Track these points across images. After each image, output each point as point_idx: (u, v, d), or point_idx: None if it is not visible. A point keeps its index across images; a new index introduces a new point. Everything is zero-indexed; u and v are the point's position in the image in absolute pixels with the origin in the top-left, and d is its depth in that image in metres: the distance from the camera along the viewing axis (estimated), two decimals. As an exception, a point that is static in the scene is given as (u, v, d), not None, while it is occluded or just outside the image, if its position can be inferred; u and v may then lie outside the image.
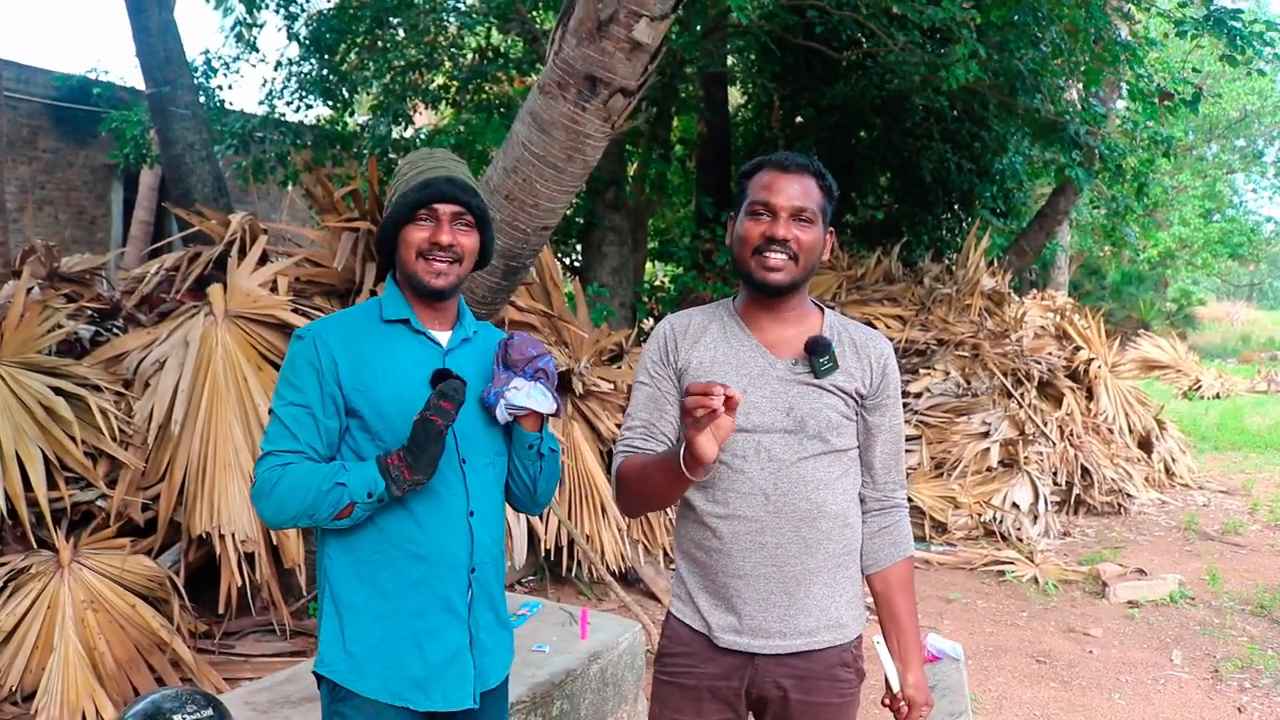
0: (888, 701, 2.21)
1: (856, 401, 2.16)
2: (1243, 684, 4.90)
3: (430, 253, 2.08)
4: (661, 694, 2.24)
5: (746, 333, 2.18)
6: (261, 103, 10.36)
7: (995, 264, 10.06)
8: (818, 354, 2.10)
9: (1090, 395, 9.22)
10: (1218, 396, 16.37)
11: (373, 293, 4.89)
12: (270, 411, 2.08)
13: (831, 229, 2.20)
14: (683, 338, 2.21)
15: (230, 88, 10.00)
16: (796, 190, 2.10)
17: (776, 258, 2.08)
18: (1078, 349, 9.52)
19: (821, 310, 2.24)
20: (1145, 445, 9.40)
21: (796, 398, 2.12)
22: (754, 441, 2.11)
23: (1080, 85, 9.13)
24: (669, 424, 2.22)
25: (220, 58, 10.30)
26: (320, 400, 2.04)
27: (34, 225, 12.45)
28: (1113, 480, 8.37)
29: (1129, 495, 8.42)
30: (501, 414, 2.09)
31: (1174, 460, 9.56)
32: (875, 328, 8.23)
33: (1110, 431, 9.00)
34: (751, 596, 2.13)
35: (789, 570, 2.12)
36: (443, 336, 2.17)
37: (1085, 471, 8.27)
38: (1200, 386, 16.75)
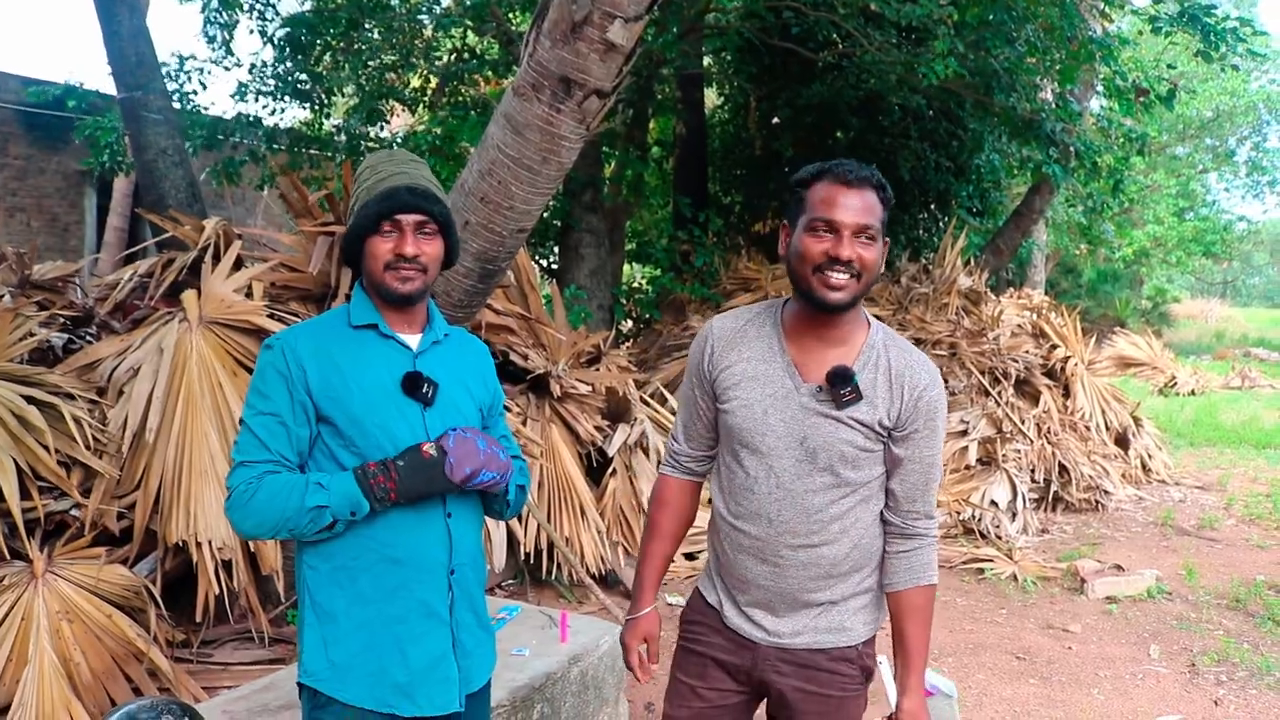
0: None
1: (880, 433, 2.11)
2: (1219, 677, 4.93)
3: (396, 264, 2.07)
4: (677, 656, 2.38)
5: (782, 347, 2.15)
6: (233, 95, 10.27)
7: (972, 263, 10.12)
8: (838, 385, 2.06)
9: (1067, 393, 9.27)
10: (1193, 393, 16.51)
11: (348, 297, 4.87)
12: (241, 421, 2.07)
13: (887, 239, 2.13)
14: (720, 344, 2.22)
15: (205, 87, 9.79)
16: (859, 205, 2.02)
17: (839, 277, 2.01)
18: (1054, 347, 9.56)
19: (869, 325, 2.17)
20: (1122, 442, 9.47)
21: (811, 428, 2.09)
22: (766, 465, 2.14)
23: (1055, 85, 9.20)
24: (703, 424, 2.30)
25: (193, 57, 10.22)
26: (290, 408, 2.04)
27: (5, 232, 12.35)
28: (1090, 477, 8.42)
29: (1106, 492, 8.47)
30: None
31: (1150, 457, 9.63)
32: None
33: (1087, 429, 9.05)
34: (754, 600, 2.22)
35: (789, 585, 2.17)
36: (412, 340, 2.16)
37: (1063, 469, 8.31)
38: (1176, 383, 16.89)
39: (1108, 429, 9.37)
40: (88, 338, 5.05)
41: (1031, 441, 8.23)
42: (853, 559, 2.17)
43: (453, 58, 10.66)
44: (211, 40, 10.16)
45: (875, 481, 2.16)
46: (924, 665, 2.20)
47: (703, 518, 2.42)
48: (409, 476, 2.00)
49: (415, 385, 2.08)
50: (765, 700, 2.30)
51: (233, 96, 10.18)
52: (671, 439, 2.39)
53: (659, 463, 6.61)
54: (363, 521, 2.02)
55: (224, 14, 9.88)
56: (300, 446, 2.06)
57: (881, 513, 2.20)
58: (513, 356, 5.92)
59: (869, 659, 2.24)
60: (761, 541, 2.16)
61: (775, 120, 11.70)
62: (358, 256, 2.13)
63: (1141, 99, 8.63)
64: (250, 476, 2.00)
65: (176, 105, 9.16)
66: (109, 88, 7.23)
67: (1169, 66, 13.08)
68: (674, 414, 7.24)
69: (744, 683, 2.26)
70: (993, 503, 7.52)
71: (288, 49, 9.98)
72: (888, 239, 2.14)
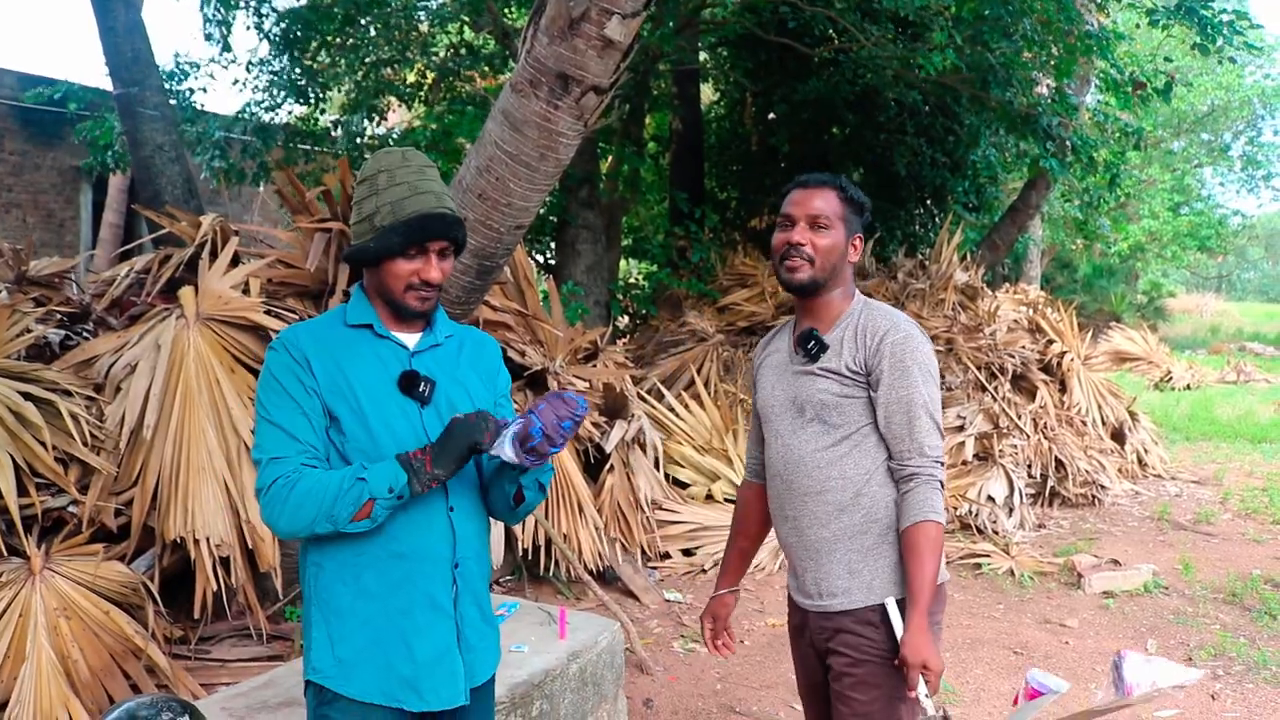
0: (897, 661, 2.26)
1: (851, 378, 2.35)
2: (1215, 671, 4.94)
3: (420, 287, 2.09)
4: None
5: (790, 331, 2.53)
6: (239, 114, 10.28)
7: (968, 258, 10.12)
8: (805, 341, 2.40)
9: (1063, 388, 9.28)
10: (1188, 387, 16.53)
11: (345, 294, 4.86)
12: (258, 423, 2.05)
13: (859, 234, 2.45)
14: (759, 349, 2.65)
15: (204, 90, 9.84)
16: (817, 202, 2.37)
17: (792, 261, 2.37)
18: (1050, 342, 9.58)
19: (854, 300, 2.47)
20: (1118, 437, 9.48)
21: (798, 386, 2.43)
22: (774, 429, 2.49)
23: (1051, 80, 9.20)
24: (759, 427, 2.63)
25: (190, 60, 10.20)
26: (308, 400, 2.04)
27: (1, 228, 12.31)
28: (1086, 472, 8.43)
29: (1103, 486, 8.48)
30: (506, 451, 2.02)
31: (1146, 451, 9.64)
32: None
33: (1083, 423, 9.06)
34: (791, 562, 2.52)
35: (808, 539, 2.42)
36: (409, 339, 2.16)
37: (1059, 464, 8.33)
38: (1171, 378, 16.90)
39: (1104, 424, 9.38)
40: (85, 334, 5.04)
41: (1028, 437, 8.24)
42: (862, 509, 2.35)
43: (449, 53, 10.64)
44: (209, 38, 10.14)
45: (865, 428, 2.36)
46: (926, 600, 2.21)
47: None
48: (443, 441, 1.99)
49: (411, 384, 2.08)
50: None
51: (239, 115, 10.15)
52: (749, 443, 2.76)
53: (656, 459, 6.63)
54: None
55: (221, 10, 9.84)
56: (324, 438, 2.05)
57: (888, 465, 2.37)
58: (510, 353, 5.92)
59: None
60: (780, 499, 2.47)
61: (771, 116, 11.69)
62: (370, 266, 2.12)
63: (1139, 92, 8.63)
64: (286, 470, 1.98)
65: (174, 102, 9.15)
66: (107, 84, 7.19)
67: (1165, 59, 13.09)
68: (670, 410, 7.27)
69: (818, 655, 2.46)
70: (989, 498, 7.53)
71: (283, 45, 9.96)
72: (859, 235, 2.45)
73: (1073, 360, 9.44)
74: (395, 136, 10.77)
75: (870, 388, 2.34)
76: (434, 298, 2.12)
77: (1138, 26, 11.91)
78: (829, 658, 2.39)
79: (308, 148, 10.45)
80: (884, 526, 2.35)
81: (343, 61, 10.22)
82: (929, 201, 11.82)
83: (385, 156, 2.12)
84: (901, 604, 2.30)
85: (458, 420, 2.00)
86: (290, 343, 2.08)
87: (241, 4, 9.94)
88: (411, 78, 10.96)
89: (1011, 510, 7.57)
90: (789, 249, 2.37)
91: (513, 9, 9.84)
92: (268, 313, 4.83)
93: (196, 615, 4.31)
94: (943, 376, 8.42)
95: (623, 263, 12.15)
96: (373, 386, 2.07)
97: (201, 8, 9.77)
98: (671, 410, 7.28)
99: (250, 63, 10.48)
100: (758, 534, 2.77)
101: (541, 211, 8.95)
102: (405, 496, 1.97)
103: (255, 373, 4.59)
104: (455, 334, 2.26)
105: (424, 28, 10.39)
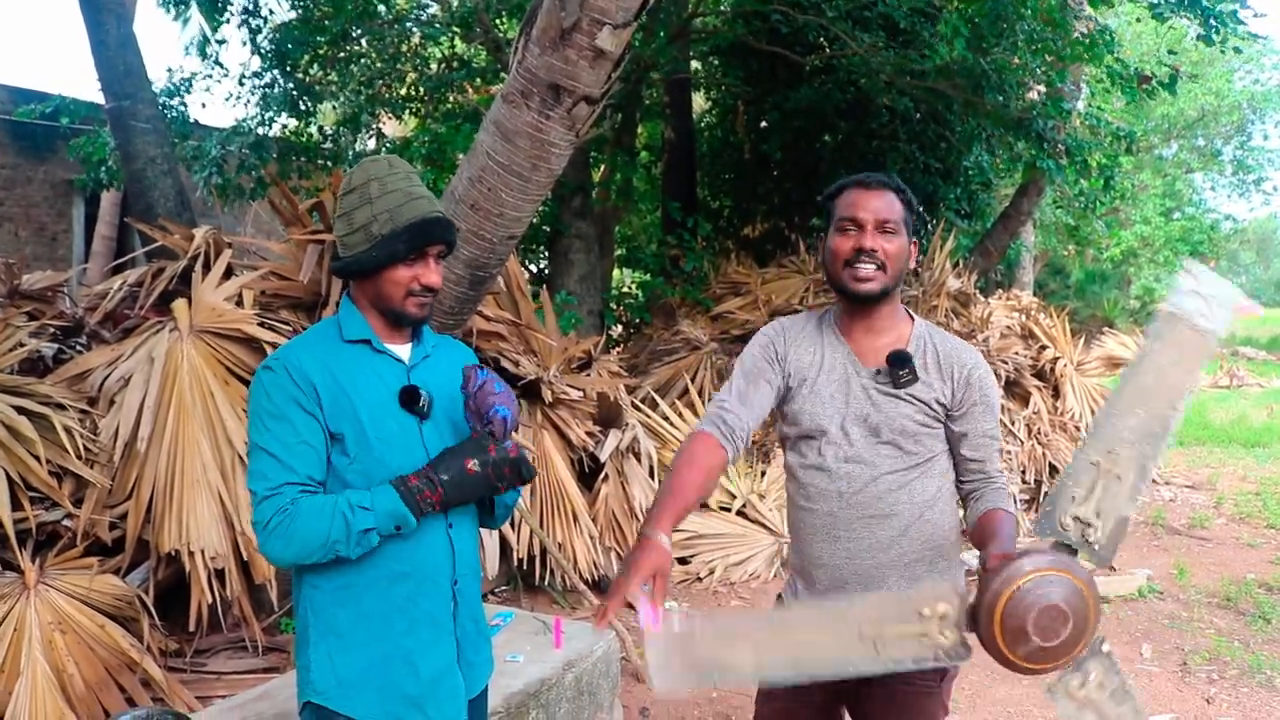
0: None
1: (936, 412, 2.28)
2: (1211, 675, 4.96)
3: (420, 293, 2.09)
4: None
5: (840, 340, 2.35)
6: (237, 131, 10.28)
7: (961, 265, 10.13)
8: (897, 366, 2.25)
9: (1057, 394, 9.29)
10: (1181, 392, 16.54)
11: (339, 306, 4.86)
12: (253, 451, 2.02)
13: (915, 240, 2.35)
14: (789, 335, 2.41)
15: (204, 106, 9.96)
16: (880, 204, 2.25)
17: (866, 268, 2.23)
18: (1043, 348, 9.59)
19: (912, 320, 2.38)
20: (1112, 442, 9.47)
21: (874, 407, 2.27)
22: (834, 445, 2.29)
23: (1042, 87, 9.22)
24: (763, 394, 2.34)
25: (182, 72, 10.21)
26: (309, 427, 2.00)
27: (-6, 242, 12.30)
28: (1080, 477, 8.42)
29: (1097, 492, 8.48)
30: None
31: (1140, 456, 9.64)
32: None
33: (1077, 429, 9.06)
34: (829, 584, 2.32)
35: (861, 564, 2.28)
36: (403, 351, 2.16)
37: (1054, 470, 8.33)
38: (1164, 382, 16.89)
39: (1097, 429, 9.38)
40: (78, 347, 5.04)
41: (1022, 443, 8.25)
42: (924, 535, 2.27)
43: (441, 66, 10.66)
44: (204, 53, 10.16)
45: (936, 456, 2.30)
46: (1010, 541, 2.06)
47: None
48: (455, 491, 2.00)
49: (412, 399, 2.06)
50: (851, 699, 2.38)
51: (236, 132, 10.14)
52: (720, 396, 2.35)
53: (650, 468, 6.62)
54: None
55: (211, 29, 9.87)
56: (324, 465, 2.02)
57: (957, 484, 2.34)
58: (504, 363, 5.92)
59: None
60: (833, 518, 2.28)
61: (763, 124, 11.70)
62: (365, 276, 2.10)
63: (1145, 85, 8.64)
64: (283, 504, 1.94)
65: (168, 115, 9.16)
66: (99, 98, 7.19)
67: (1170, 52, 13.14)
68: (665, 419, 7.26)
69: (826, 681, 2.27)
70: (984, 504, 7.53)
71: (275, 59, 9.98)
72: (915, 240, 2.36)
73: (1066, 366, 9.45)
74: (388, 149, 10.76)
75: (950, 419, 2.29)
76: (430, 303, 2.12)
77: (1138, 20, 11.92)
78: (867, 683, 2.27)
79: (301, 160, 10.46)
80: (936, 554, 2.31)
81: (335, 75, 10.23)
82: (921, 208, 11.83)
83: (373, 165, 2.11)
84: None
85: (475, 476, 2.02)
86: (292, 366, 2.02)
87: (228, 18, 9.95)
88: (404, 91, 10.97)
89: (1006, 516, 7.56)
90: (859, 255, 2.23)
91: (504, 20, 9.85)
92: (261, 325, 4.83)
93: (192, 628, 4.30)
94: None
95: (616, 272, 12.16)
96: (374, 405, 2.05)
97: (176, 18, 9.75)
98: (666, 419, 7.28)
99: (243, 76, 10.48)
100: (705, 493, 2.30)
101: (534, 221, 8.95)
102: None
103: (249, 384, 4.58)
104: (438, 343, 2.26)
105: (415, 40, 10.40)
